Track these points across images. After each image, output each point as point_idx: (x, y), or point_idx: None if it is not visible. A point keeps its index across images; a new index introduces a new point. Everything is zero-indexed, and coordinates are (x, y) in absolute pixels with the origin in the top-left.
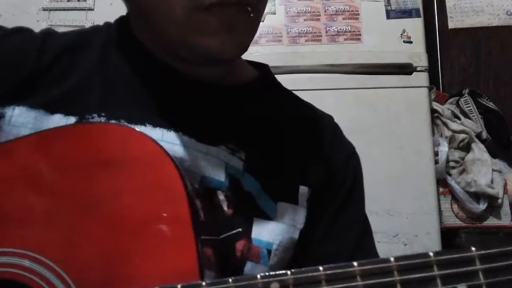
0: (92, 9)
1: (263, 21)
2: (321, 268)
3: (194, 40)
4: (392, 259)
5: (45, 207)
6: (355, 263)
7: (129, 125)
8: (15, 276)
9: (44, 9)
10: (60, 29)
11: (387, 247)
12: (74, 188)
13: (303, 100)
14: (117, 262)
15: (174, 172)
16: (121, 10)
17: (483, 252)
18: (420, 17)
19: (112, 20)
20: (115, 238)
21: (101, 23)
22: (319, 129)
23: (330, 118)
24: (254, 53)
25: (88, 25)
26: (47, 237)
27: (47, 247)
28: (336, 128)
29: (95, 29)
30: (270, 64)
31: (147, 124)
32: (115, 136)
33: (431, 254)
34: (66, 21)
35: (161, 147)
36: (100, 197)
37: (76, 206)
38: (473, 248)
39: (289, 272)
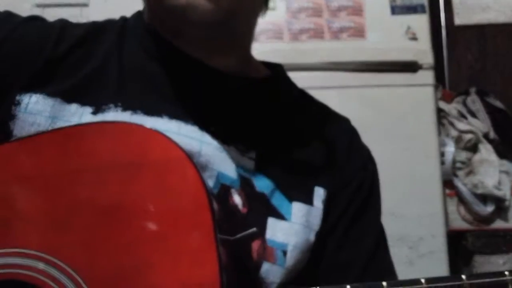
0: (87, 5)
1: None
2: (348, 286)
3: None
4: (423, 280)
5: (62, 209)
6: (384, 283)
7: (146, 116)
8: (29, 278)
9: (38, 6)
10: None
11: (392, 250)
12: (93, 191)
13: (319, 101)
14: (135, 269)
15: (196, 179)
16: (116, 6)
17: None
18: (426, 13)
19: (107, 15)
20: (133, 245)
21: (96, 19)
22: (335, 131)
23: (347, 120)
24: (253, 50)
25: (82, 21)
26: (63, 240)
27: (63, 250)
28: (353, 132)
29: (110, 21)
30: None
31: (164, 116)
32: (137, 138)
33: (463, 277)
34: (60, 17)
35: (184, 152)
36: (118, 201)
37: (94, 210)
38: (506, 272)
39: None
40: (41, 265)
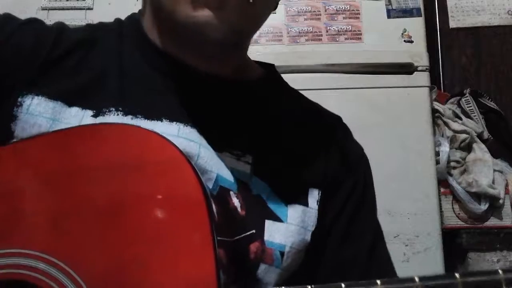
0: (91, 9)
1: None
2: (343, 285)
3: (184, 13)
4: (416, 278)
5: (62, 209)
6: (378, 281)
7: (146, 120)
8: (29, 278)
9: (43, 9)
10: None
11: (388, 247)
12: (91, 191)
13: (311, 100)
14: (132, 269)
15: (193, 179)
16: (120, 9)
17: (510, 275)
18: (421, 16)
19: (111, 19)
20: (130, 244)
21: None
22: (328, 130)
23: (339, 119)
24: (253, 52)
25: None
26: (62, 240)
27: (62, 250)
28: (346, 130)
29: (105, 25)
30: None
31: (164, 119)
32: (135, 139)
33: (457, 275)
34: (65, 21)
35: (181, 152)
36: (117, 201)
37: (93, 210)
38: (500, 271)
39: (309, 287)
40: (41, 265)
